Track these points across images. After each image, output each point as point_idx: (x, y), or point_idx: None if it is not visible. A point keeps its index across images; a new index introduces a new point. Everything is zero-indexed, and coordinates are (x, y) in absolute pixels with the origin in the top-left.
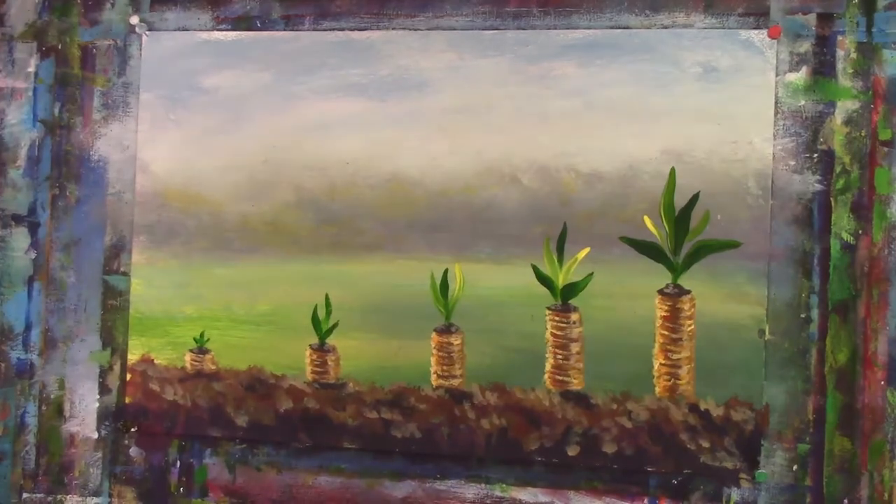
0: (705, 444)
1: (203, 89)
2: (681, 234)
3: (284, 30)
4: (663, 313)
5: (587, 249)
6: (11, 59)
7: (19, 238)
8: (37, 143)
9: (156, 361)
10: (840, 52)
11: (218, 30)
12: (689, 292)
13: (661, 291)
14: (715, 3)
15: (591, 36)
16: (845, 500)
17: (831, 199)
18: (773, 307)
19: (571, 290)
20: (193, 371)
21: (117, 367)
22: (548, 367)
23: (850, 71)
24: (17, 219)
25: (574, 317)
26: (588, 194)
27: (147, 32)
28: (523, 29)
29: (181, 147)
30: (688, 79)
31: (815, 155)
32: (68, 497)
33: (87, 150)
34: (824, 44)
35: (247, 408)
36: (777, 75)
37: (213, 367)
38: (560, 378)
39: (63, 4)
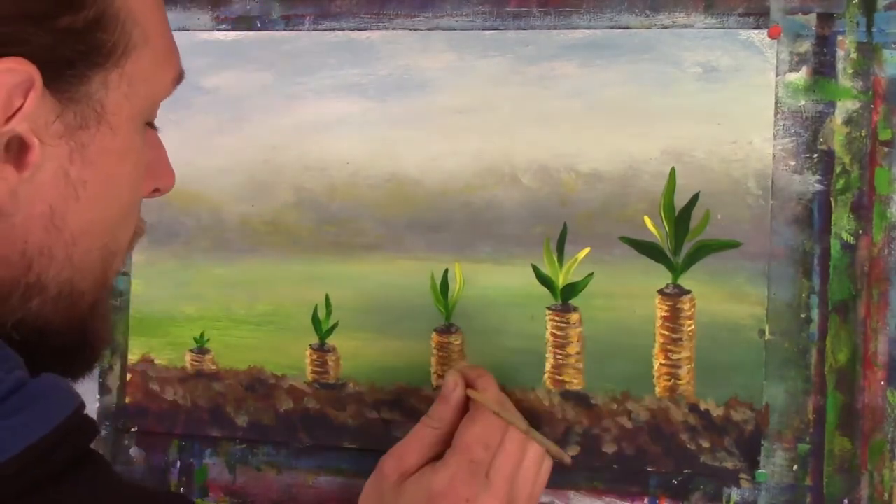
0: (705, 444)
1: (203, 89)
2: (681, 234)
3: (284, 30)
4: (663, 313)
5: (587, 249)
6: None
7: None
8: None
9: (156, 361)
10: (840, 52)
11: (218, 30)
12: (689, 292)
13: (661, 291)
14: (715, 3)
15: (591, 36)
16: (845, 500)
17: (831, 199)
18: (773, 307)
19: (571, 290)
20: (193, 371)
21: (117, 367)
22: (548, 367)
23: (850, 71)
24: None
25: (574, 317)
26: (588, 194)
27: None
28: (523, 29)
29: (181, 147)
30: (688, 79)
31: (815, 155)
32: None
33: None
34: (824, 44)
35: (247, 408)
36: (777, 75)
37: (214, 368)
38: (560, 378)
39: None
